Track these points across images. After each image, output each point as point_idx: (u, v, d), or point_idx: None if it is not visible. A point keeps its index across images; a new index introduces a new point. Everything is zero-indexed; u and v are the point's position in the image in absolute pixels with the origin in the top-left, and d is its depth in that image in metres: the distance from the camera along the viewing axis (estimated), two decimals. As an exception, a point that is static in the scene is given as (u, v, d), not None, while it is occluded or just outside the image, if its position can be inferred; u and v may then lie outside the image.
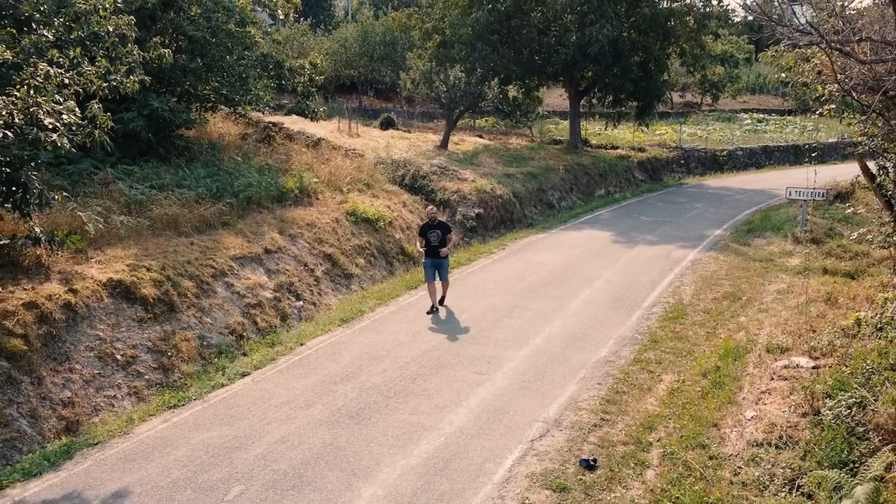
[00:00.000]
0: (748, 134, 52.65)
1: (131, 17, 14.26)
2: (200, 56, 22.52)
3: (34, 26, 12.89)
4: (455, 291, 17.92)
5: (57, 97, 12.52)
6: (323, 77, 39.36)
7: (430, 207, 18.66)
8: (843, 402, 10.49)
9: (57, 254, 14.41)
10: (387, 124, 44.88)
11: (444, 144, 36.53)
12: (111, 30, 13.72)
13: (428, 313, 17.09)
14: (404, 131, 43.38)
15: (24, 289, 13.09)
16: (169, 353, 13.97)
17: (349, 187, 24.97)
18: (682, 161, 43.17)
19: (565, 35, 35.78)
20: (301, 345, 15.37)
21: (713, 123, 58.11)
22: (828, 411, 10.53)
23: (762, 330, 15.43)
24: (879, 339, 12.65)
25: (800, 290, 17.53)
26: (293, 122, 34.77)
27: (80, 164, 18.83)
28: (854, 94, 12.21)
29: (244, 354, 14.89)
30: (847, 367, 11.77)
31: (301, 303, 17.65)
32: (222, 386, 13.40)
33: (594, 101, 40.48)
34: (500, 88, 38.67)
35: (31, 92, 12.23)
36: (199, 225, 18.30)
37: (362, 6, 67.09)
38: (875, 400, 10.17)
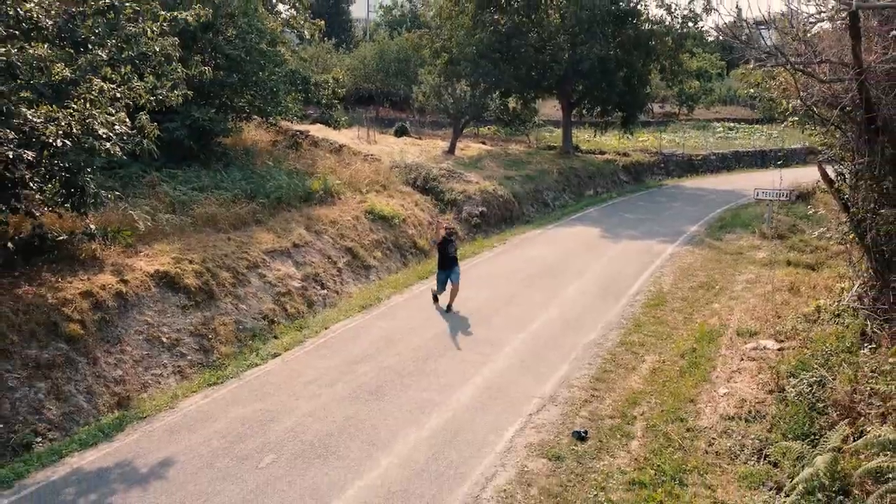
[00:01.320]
0: (720, 141, 52.30)
1: (175, 38, 14.21)
2: (236, 72, 22.42)
3: (90, 47, 12.85)
4: (461, 281, 17.90)
5: (110, 110, 12.52)
6: (344, 90, 39.31)
7: (445, 220, 17.70)
8: (805, 381, 10.47)
9: (110, 248, 14.40)
10: (400, 132, 44.72)
11: (451, 150, 36.37)
12: (158, 50, 13.67)
13: (435, 301, 16.96)
14: (416, 138, 43.23)
15: (81, 279, 13.09)
16: (209, 336, 13.95)
17: (368, 188, 24.87)
18: (662, 164, 42.94)
19: (559, 53, 35.58)
20: (325, 328, 15.34)
21: (689, 131, 57.69)
22: (791, 389, 10.50)
23: (733, 316, 15.37)
24: (837, 324, 12.59)
25: (766, 280, 17.47)
26: (318, 130, 34.68)
27: (130, 168, 18.80)
28: (815, 109, 12.16)
29: (275, 337, 14.86)
30: (808, 349, 11.73)
31: (325, 291, 17.61)
32: (256, 366, 13.38)
33: (584, 111, 40.26)
34: (502, 100, 38.54)
35: (87, 105, 12.24)
36: (235, 222, 18.25)
37: (379, 27, 66.74)
38: (833, 379, 10.13)
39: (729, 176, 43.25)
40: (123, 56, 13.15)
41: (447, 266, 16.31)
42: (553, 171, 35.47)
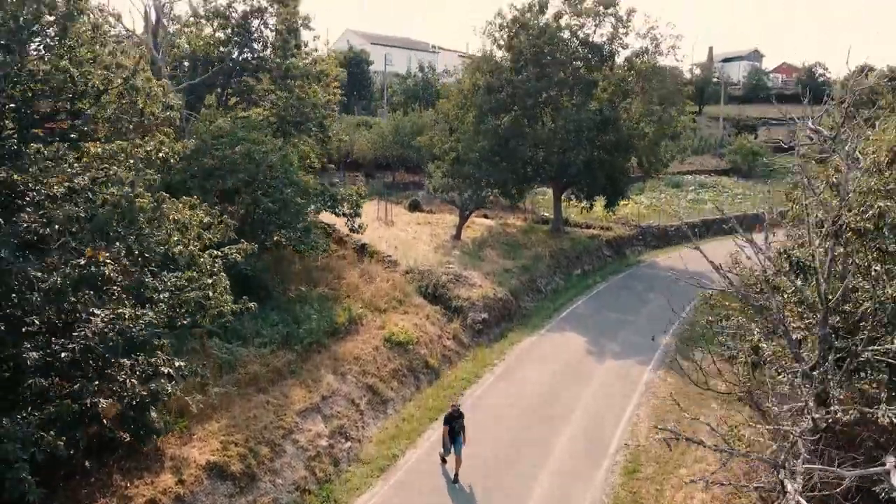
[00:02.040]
0: (692, 204, 52.35)
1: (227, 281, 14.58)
2: (275, 217, 22.86)
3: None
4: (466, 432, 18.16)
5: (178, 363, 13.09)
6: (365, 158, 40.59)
7: (454, 405, 17.64)
8: None
9: (168, 437, 14.85)
10: (414, 206, 45.09)
11: (457, 235, 36.64)
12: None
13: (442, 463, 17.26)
14: (427, 212, 43.53)
15: (146, 483, 13.54)
16: (252, 527, 14.38)
17: (386, 306, 25.29)
18: (640, 237, 43.21)
19: (551, 157, 35.90)
20: (348, 505, 15.72)
21: (665, 189, 57.87)
22: None
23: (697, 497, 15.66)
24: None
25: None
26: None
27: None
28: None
29: (307, 513, 15.28)
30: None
31: (349, 444, 18.00)
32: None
33: (572, 196, 40.50)
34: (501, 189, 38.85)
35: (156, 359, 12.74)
36: (273, 377, 18.65)
37: (395, 94, 66.84)
38: None
39: (703, 247, 43.17)
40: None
41: (452, 437, 16.58)
42: (545, 256, 35.80)
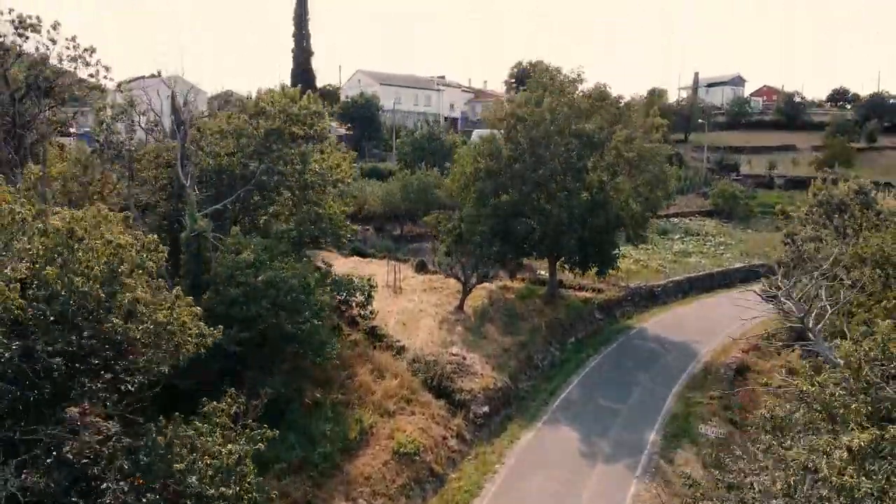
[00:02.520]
0: (678, 257, 52.22)
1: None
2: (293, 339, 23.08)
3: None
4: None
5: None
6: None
7: None
8: None
9: None
10: (421, 267, 45.15)
11: (460, 306, 36.78)
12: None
13: None
14: (433, 273, 43.50)
15: None
16: None
17: (395, 407, 25.52)
18: (629, 298, 43.23)
19: (545, 237, 36.01)
20: None
21: (652, 236, 57.65)
22: None
23: None
24: None
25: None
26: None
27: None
28: None
29: None
30: None
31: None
32: None
33: (566, 264, 40.48)
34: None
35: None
36: (293, 513, 18.88)
37: (403, 143, 66.75)
38: None
39: (685, 309, 43.38)
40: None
41: None
42: (542, 327, 35.99)
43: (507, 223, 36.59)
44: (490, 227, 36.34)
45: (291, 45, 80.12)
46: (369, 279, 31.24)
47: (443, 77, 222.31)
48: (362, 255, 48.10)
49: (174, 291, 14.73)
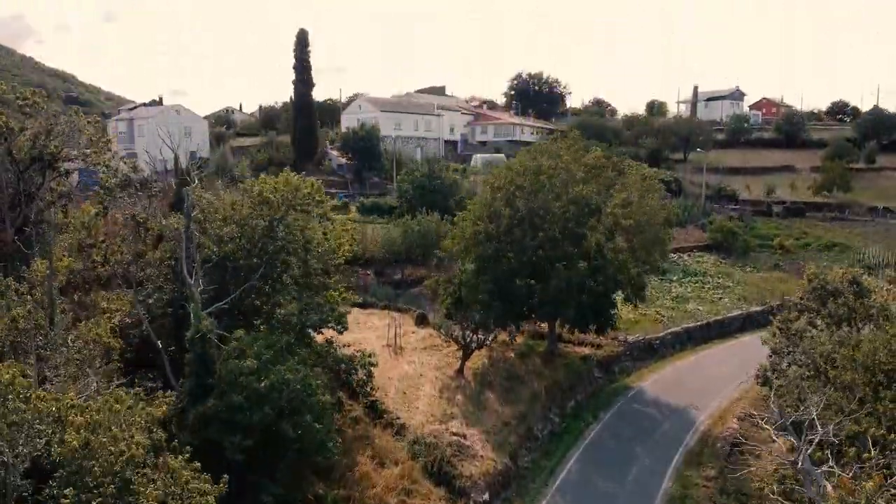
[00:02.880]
0: (676, 303, 52.49)
1: None
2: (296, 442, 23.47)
3: None
4: None
5: None
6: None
7: None
8: None
9: None
10: (421, 319, 45.52)
11: (461, 370, 37.18)
12: None
13: None
14: (433, 328, 43.57)
15: None
16: None
17: (396, 500, 25.92)
18: (628, 353, 43.61)
19: (545, 303, 36.40)
20: None
21: (650, 279, 57.88)
22: None
23: None
24: None
25: None
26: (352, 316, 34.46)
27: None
28: None
29: None
30: None
31: None
32: None
33: (565, 328, 40.92)
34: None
35: None
36: None
37: (404, 181, 66.95)
38: None
39: (683, 363, 43.73)
40: None
41: None
42: (542, 393, 36.35)
43: (506, 288, 36.94)
44: (489, 292, 36.69)
45: (292, 76, 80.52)
46: (370, 355, 31.65)
47: (443, 87, 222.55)
48: (363, 304, 48.45)
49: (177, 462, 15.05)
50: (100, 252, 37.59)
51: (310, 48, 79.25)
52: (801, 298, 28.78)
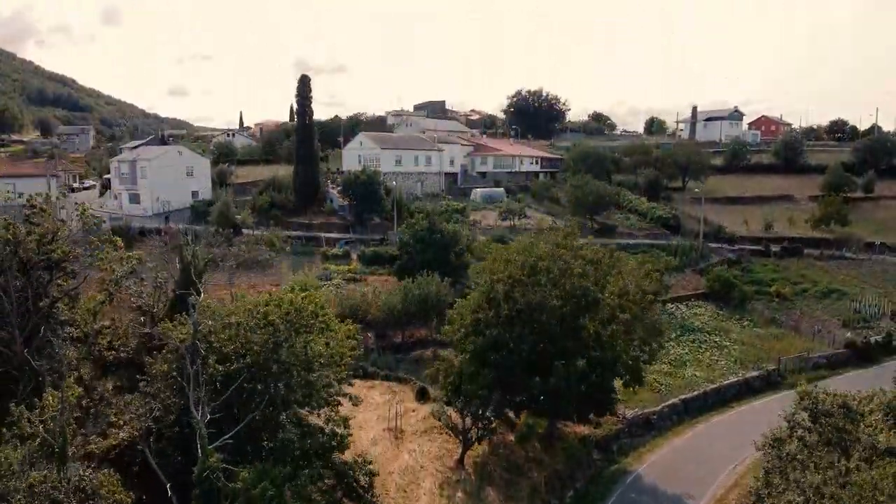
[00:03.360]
0: (674, 369, 53.09)
1: None
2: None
3: None
4: None
5: None
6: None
7: None
8: None
9: None
10: (422, 394, 46.12)
11: (461, 460, 37.81)
12: None
13: None
14: (434, 400, 43.95)
15: None
16: None
17: None
18: (626, 429, 44.25)
19: (545, 398, 37.07)
20: None
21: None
22: None
23: None
24: None
25: None
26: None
27: None
28: None
29: None
30: None
31: None
32: None
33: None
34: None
35: None
36: None
37: (405, 232, 67.53)
38: None
39: (681, 441, 44.30)
40: None
41: None
42: (541, 485, 36.96)
43: (506, 380, 37.60)
44: (488, 386, 37.33)
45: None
46: (370, 463, 32.37)
47: (443, 102, 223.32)
48: (364, 374, 49.09)
49: None
50: (105, 338, 38.48)
51: (311, 94, 79.94)
52: (794, 414, 29.42)
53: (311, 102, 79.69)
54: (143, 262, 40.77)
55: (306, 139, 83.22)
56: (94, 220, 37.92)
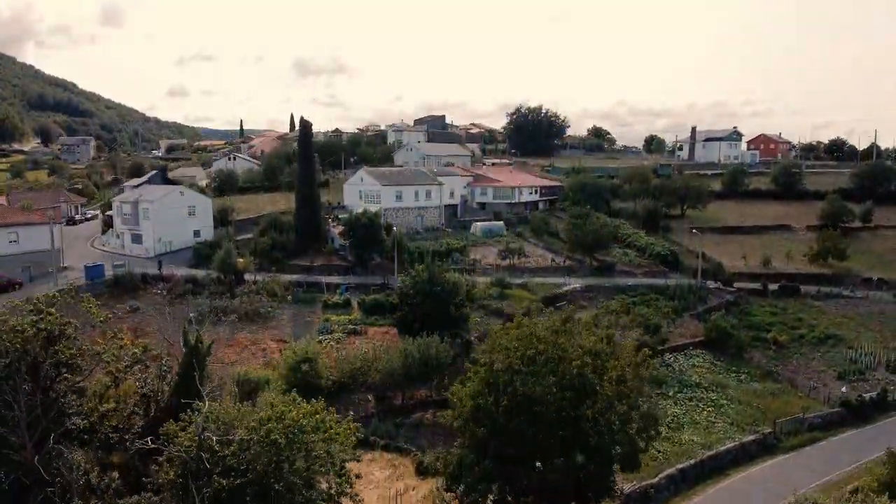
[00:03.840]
0: (671, 432, 53.57)
1: None
2: None
3: None
4: None
5: None
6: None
7: None
8: None
9: None
10: (422, 469, 46.58)
11: (460, 541, 38.55)
12: None
13: None
14: (436, 475, 44.41)
15: None
16: None
17: None
18: (625, 505, 44.84)
19: (543, 490, 37.66)
20: None
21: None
22: None
23: None
24: None
25: None
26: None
27: None
28: None
29: None
30: None
31: None
32: None
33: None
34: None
35: None
36: None
37: (407, 278, 68.11)
38: None
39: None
40: None
41: None
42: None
43: (504, 467, 38.22)
44: (488, 475, 37.94)
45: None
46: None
47: (443, 117, 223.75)
48: (364, 443, 49.63)
49: None
50: (111, 421, 39.30)
51: (312, 138, 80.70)
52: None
53: (312, 148, 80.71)
54: (148, 349, 41.50)
55: (307, 179, 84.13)
56: (100, 317, 38.73)
